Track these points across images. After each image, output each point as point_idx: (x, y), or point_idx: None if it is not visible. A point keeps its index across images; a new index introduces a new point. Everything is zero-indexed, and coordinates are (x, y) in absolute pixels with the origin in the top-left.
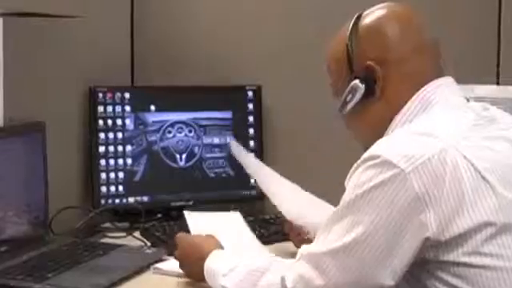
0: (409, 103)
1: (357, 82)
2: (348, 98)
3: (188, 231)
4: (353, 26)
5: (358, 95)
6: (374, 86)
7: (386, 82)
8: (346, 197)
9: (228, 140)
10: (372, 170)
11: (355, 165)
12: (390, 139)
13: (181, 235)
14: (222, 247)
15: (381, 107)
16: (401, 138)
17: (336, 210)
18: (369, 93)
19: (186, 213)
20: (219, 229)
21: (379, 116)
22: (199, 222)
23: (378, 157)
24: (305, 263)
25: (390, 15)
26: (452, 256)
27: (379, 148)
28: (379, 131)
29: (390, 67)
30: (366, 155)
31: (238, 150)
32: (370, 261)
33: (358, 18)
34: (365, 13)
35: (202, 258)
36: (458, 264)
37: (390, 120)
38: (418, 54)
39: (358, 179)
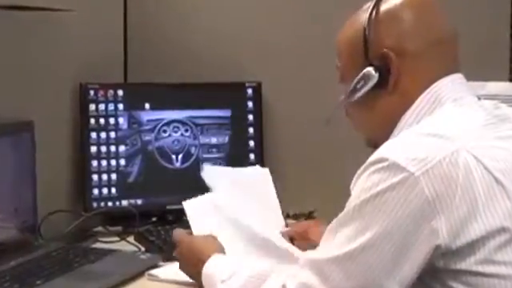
0: (417, 101)
1: (370, 69)
2: (358, 86)
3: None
4: (373, 8)
5: (370, 84)
6: (387, 77)
7: (400, 74)
8: (352, 202)
9: (226, 140)
10: (379, 174)
11: (361, 168)
12: (398, 141)
13: (179, 234)
14: (222, 250)
15: (391, 101)
16: (409, 140)
17: (342, 215)
18: (381, 83)
19: (207, 168)
20: (242, 190)
21: (387, 110)
22: (218, 181)
23: (386, 160)
24: (307, 270)
25: (414, 2)
26: (464, 264)
27: (387, 150)
28: (385, 126)
29: (407, 59)
30: (372, 158)
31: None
32: (376, 269)
33: (379, 0)
34: None
35: (201, 262)
36: (470, 273)
37: (399, 116)
38: (436, 47)
39: (364, 183)
